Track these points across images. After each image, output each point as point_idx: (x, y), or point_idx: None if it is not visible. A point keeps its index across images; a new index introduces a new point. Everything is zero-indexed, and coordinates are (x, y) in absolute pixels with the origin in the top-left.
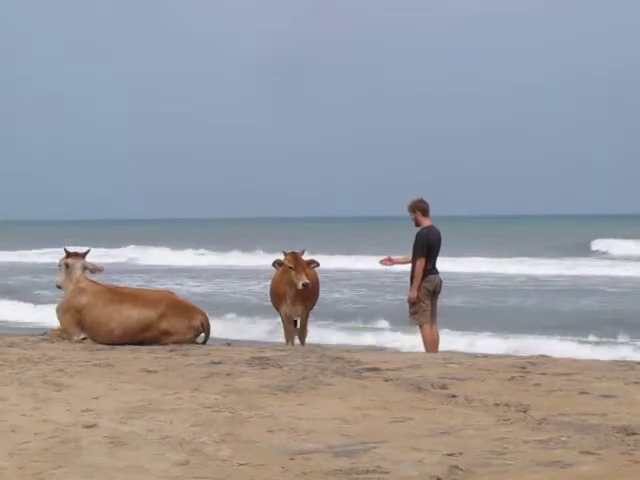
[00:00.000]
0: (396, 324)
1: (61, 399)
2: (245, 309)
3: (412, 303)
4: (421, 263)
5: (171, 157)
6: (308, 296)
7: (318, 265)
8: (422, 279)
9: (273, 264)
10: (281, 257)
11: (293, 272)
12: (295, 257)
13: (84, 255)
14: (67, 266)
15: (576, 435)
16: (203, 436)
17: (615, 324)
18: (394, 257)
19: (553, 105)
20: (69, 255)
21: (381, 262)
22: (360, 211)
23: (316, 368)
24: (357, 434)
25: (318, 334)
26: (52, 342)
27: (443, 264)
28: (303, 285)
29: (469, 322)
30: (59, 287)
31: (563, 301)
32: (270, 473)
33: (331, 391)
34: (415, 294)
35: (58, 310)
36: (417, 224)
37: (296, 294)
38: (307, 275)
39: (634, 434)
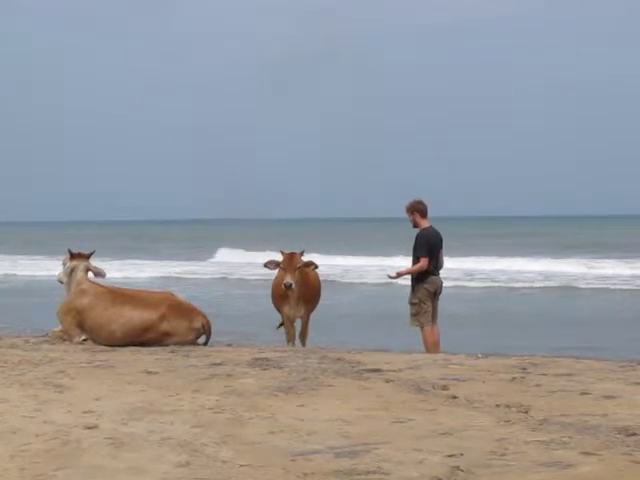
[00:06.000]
0: (396, 324)
1: (62, 400)
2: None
3: (412, 304)
4: (425, 261)
5: (171, 158)
6: (309, 297)
7: (317, 267)
8: (422, 280)
9: (265, 265)
10: (274, 257)
11: (282, 271)
12: (289, 257)
13: (88, 256)
14: (70, 267)
15: (577, 436)
16: (204, 437)
17: None
18: (399, 270)
19: (553, 107)
20: (73, 256)
21: (389, 276)
22: (360, 212)
23: (317, 369)
24: (358, 435)
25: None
26: (53, 344)
27: None
28: (285, 285)
29: None
30: (60, 282)
31: None
32: (271, 474)
33: (332, 392)
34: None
35: (59, 312)
36: (415, 225)
37: (298, 295)
38: (307, 276)
39: (635, 435)
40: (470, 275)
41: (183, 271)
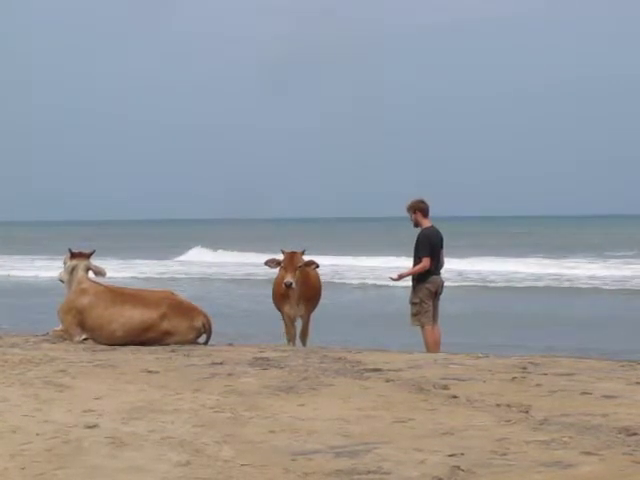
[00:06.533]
0: (396, 324)
1: (62, 400)
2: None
3: (413, 303)
4: (426, 261)
5: (171, 158)
6: (310, 297)
7: (318, 266)
8: (424, 280)
9: (266, 263)
10: (275, 256)
11: (283, 271)
12: (290, 256)
13: (89, 256)
14: (71, 266)
15: (578, 436)
16: (204, 437)
17: None
18: (401, 272)
19: (553, 107)
20: (73, 255)
21: (391, 278)
22: (360, 212)
23: (317, 369)
24: (358, 435)
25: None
26: (53, 343)
27: None
28: (285, 284)
29: None
30: (61, 281)
31: None
32: (271, 474)
33: (332, 392)
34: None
35: (60, 311)
36: (416, 225)
37: (298, 295)
38: (308, 275)
39: (635, 434)
40: (470, 275)
41: (149, 271)
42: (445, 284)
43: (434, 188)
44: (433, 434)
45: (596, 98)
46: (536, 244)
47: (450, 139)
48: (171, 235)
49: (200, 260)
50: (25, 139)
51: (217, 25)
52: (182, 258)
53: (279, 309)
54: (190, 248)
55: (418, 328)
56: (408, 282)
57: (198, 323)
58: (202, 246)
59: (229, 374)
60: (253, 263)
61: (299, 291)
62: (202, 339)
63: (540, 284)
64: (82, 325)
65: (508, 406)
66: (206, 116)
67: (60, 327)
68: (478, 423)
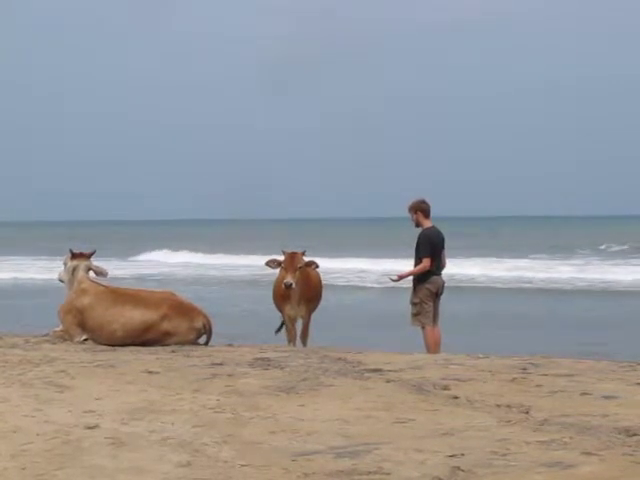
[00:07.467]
0: (397, 325)
1: (63, 400)
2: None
3: (414, 304)
4: (427, 262)
5: (171, 158)
6: (310, 297)
7: (318, 266)
8: (424, 280)
9: (266, 264)
10: (275, 257)
11: (283, 271)
12: (290, 257)
13: (89, 256)
14: (72, 266)
15: (578, 436)
16: (205, 437)
17: None
18: (401, 272)
19: (553, 107)
20: (74, 255)
21: (391, 279)
22: (360, 212)
23: (318, 369)
24: (359, 435)
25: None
26: (54, 343)
27: None
28: (285, 285)
29: None
30: (61, 281)
31: None
32: (272, 474)
33: (333, 392)
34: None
35: (60, 311)
36: (417, 225)
37: (299, 295)
38: (309, 276)
39: (636, 435)
40: (469, 276)
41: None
42: (445, 285)
43: (434, 188)
44: (433, 434)
45: (596, 98)
46: (536, 244)
47: (450, 139)
48: (150, 235)
49: (153, 261)
50: (25, 139)
51: (217, 25)
52: (140, 257)
53: (280, 309)
54: (154, 249)
55: (418, 328)
56: (408, 283)
57: (198, 324)
58: (166, 248)
59: (229, 374)
60: (208, 265)
61: (300, 291)
62: (202, 340)
63: (540, 284)
64: (82, 325)
65: (508, 407)
66: (206, 116)
67: (60, 327)
68: (478, 424)
